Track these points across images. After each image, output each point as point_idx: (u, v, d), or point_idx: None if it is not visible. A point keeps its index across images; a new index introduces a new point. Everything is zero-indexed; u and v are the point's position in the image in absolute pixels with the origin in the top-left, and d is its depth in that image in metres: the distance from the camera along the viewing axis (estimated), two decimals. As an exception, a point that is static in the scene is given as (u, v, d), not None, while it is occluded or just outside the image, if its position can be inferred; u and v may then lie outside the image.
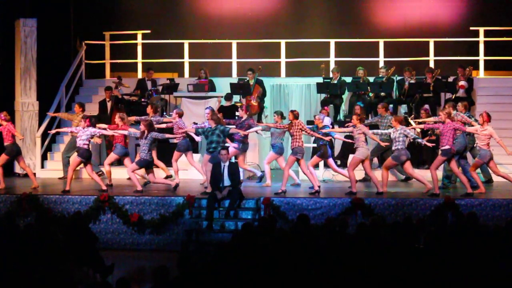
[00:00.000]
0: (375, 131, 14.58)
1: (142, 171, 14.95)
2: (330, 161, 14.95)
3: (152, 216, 13.71)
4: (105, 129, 15.01)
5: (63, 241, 10.21)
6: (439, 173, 14.62)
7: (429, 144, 14.34)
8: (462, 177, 14.05)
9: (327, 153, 14.64)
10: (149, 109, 15.80)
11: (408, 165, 14.12)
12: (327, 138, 14.62)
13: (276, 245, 9.03)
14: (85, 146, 14.46)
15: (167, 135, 14.91)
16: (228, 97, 17.29)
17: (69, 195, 14.06)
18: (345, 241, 9.36)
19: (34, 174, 16.05)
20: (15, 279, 8.66)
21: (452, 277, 8.39)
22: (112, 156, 15.22)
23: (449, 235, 9.55)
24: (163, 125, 15.47)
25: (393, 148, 14.12)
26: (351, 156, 15.95)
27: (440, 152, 13.92)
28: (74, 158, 14.76)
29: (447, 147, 13.73)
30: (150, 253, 13.52)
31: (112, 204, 13.76)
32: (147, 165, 14.48)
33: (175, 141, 15.97)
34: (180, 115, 15.49)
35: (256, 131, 15.47)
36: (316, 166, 15.12)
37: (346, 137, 14.87)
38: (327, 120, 15.47)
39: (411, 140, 14.49)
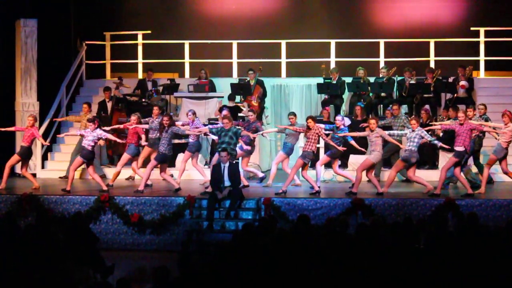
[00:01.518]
0: (390, 132, 14.52)
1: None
2: (337, 161, 14.90)
3: (152, 217, 13.71)
4: (122, 130, 15.04)
5: (64, 241, 10.21)
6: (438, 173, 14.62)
7: (445, 146, 14.28)
8: (462, 179, 14.04)
9: (337, 153, 14.60)
10: (156, 111, 15.69)
11: (411, 169, 14.08)
12: (341, 149, 14.57)
13: (277, 245, 9.03)
14: (90, 148, 14.45)
15: (187, 132, 14.89)
16: (231, 97, 17.30)
17: (69, 195, 14.06)
18: (346, 242, 9.36)
19: (34, 175, 16.06)
20: (16, 279, 8.66)
21: (452, 277, 8.39)
22: (126, 156, 15.13)
23: (449, 236, 9.55)
24: (179, 123, 15.53)
25: (406, 148, 14.04)
26: (351, 156, 15.95)
27: (453, 152, 13.87)
28: (77, 158, 14.75)
29: (462, 148, 13.69)
30: (150, 253, 13.52)
31: (113, 204, 13.77)
32: (166, 160, 14.47)
33: (175, 141, 15.96)
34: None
35: (262, 134, 15.49)
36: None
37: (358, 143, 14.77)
38: (347, 122, 15.41)
39: (427, 142, 14.37)
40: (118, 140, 14.91)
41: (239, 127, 14.78)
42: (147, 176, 14.49)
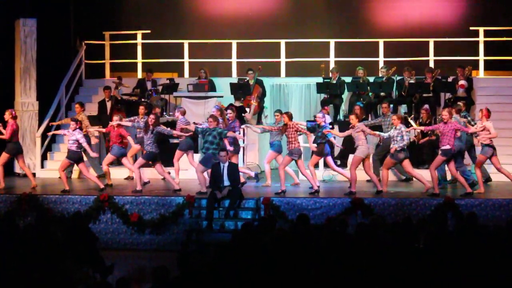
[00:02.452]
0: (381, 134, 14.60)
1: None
2: (329, 159, 14.90)
3: (152, 216, 13.72)
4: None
5: (63, 241, 10.21)
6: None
7: (423, 140, 14.44)
8: (460, 178, 14.06)
9: (323, 151, 14.59)
10: (142, 110, 15.76)
11: (407, 163, 14.13)
12: (314, 148, 14.66)
13: (276, 245, 9.03)
14: (73, 148, 14.48)
15: (173, 132, 14.88)
16: (237, 97, 17.33)
17: (69, 195, 14.08)
18: (345, 241, 9.36)
19: (34, 174, 16.06)
20: (15, 279, 8.65)
21: (452, 277, 8.39)
22: (109, 156, 15.31)
23: (449, 236, 9.55)
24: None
25: (391, 146, 14.12)
26: (351, 156, 15.94)
27: (440, 152, 13.92)
28: (63, 159, 14.81)
29: (447, 147, 13.72)
30: (150, 253, 13.52)
31: (112, 204, 13.78)
32: (154, 158, 14.47)
33: (174, 141, 15.97)
34: (183, 113, 15.52)
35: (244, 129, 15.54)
36: (316, 165, 15.06)
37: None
38: (328, 119, 15.44)
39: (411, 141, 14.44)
40: (90, 151, 14.86)
41: (225, 129, 14.62)
42: (138, 174, 14.48)
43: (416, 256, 8.78)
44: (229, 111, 15.55)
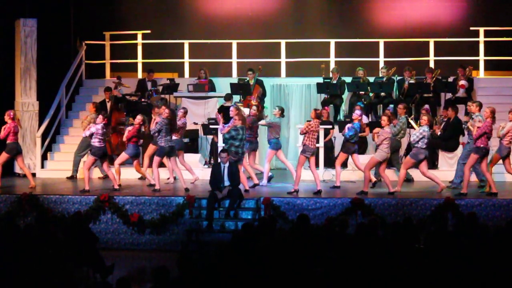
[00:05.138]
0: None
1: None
2: (355, 157, 14.83)
3: (152, 216, 13.71)
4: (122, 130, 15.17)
5: (63, 241, 10.22)
6: (447, 173, 14.62)
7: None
8: (488, 176, 13.94)
9: (350, 148, 14.59)
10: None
11: (423, 164, 14.09)
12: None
13: (276, 245, 9.03)
14: (98, 144, 14.45)
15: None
16: (228, 97, 17.26)
17: (69, 195, 14.07)
18: (345, 241, 9.36)
19: (34, 174, 16.04)
20: (15, 279, 8.66)
21: (452, 277, 8.40)
22: (123, 156, 15.13)
23: (449, 236, 9.55)
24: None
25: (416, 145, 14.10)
26: (362, 157, 15.87)
27: (473, 150, 13.84)
28: (89, 157, 14.74)
29: (480, 145, 13.70)
30: (150, 253, 13.52)
31: (112, 204, 13.77)
32: (170, 152, 14.49)
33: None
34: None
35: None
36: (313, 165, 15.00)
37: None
38: (365, 119, 15.38)
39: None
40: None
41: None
42: (157, 173, 14.46)
43: (416, 256, 8.78)
44: (253, 107, 15.56)
